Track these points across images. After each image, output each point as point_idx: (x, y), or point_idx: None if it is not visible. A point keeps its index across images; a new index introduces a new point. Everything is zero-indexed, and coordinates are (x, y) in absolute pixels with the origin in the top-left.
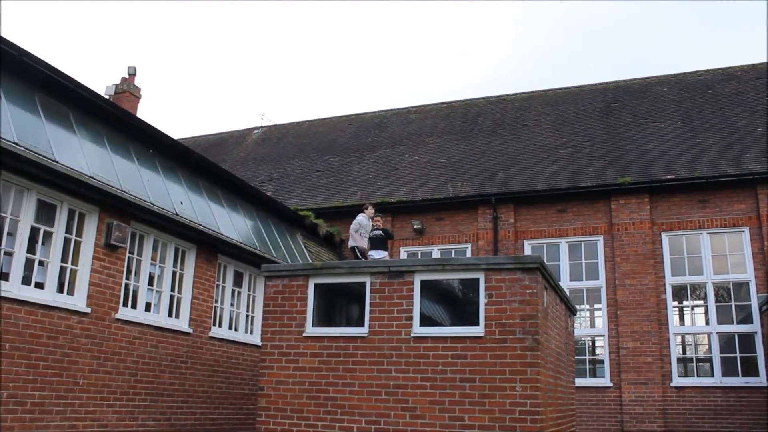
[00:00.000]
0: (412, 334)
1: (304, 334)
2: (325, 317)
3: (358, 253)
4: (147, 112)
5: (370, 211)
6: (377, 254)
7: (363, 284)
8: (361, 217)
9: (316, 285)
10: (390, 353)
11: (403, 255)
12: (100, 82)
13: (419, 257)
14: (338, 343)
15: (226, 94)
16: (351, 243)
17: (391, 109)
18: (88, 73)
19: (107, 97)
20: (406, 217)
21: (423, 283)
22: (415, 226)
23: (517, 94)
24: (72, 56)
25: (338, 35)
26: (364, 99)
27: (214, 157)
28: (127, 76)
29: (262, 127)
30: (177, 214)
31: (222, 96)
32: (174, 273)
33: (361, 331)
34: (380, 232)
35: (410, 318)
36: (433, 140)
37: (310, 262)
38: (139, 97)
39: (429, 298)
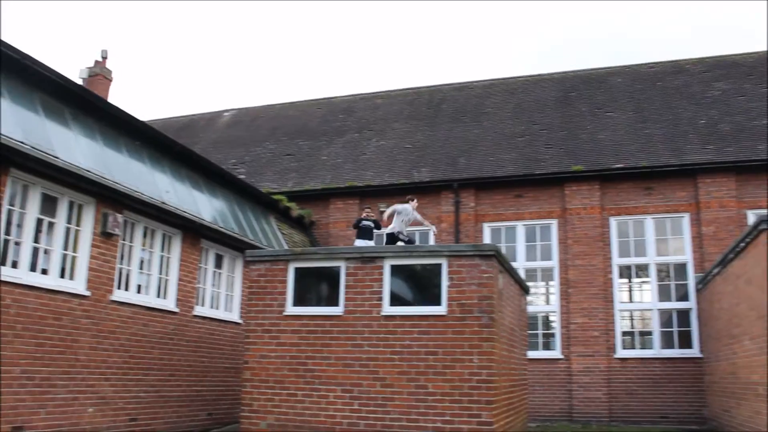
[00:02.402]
0: (383, 313)
1: (285, 313)
2: (304, 298)
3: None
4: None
5: (415, 203)
6: (364, 243)
7: (338, 268)
8: (406, 206)
9: (295, 269)
10: (363, 330)
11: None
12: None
13: (383, 239)
14: (316, 321)
15: (195, 76)
16: (395, 229)
17: (359, 94)
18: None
19: (81, 80)
20: (373, 200)
21: (392, 267)
22: (381, 209)
23: (479, 81)
24: (41, 39)
25: (307, 19)
26: (333, 83)
27: (186, 140)
28: (100, 60)
29: (232, 109)
30: (164, 203)
31: (190, 78)
32: (162, 257)
33: (337, 311)
34: (371, 222)
35: (380, 299)
36: (400, 125)
37: (284, 243)
38: (110, 80)
39: (397, 281)
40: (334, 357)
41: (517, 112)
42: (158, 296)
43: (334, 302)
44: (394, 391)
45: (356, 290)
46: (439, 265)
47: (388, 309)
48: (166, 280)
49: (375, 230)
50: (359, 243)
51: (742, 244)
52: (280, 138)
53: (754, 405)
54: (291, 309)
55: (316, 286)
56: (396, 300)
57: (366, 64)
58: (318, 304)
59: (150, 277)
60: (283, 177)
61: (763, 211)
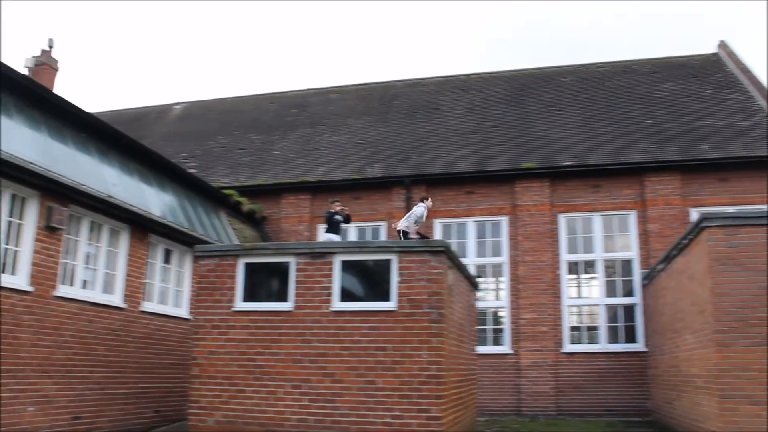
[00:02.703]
0: (332, 309)
1: (234, 309)
2: (253, 293)
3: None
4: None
5: (429, 203)
6: (335, 237)
7: (288, 264)
8: (423, 209)
9: (245, 264)
10: (312, 326)
11: (322, 232)
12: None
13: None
14: (266, 317)
15: (147, 69)
16: (403, 227)
17: (313, 89)
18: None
19: (26, 69)
20: (325, 195)
21: (342, 263)
22: (331, 201)
23: (432, 78)
24: None
25: (262, 13)
26: (287, 77)
27: (136, 133)
28: (47, 49)
29: (184, 102)
30: (111, 197)
31: (142, 71)
32: (108, 252)
33: (287, 306)
34: (342, 217)
35: (330, 294)
36: (352, 121)
37: (234, 239)
38: (56, 70)
39: (348, 277)
40: (283, 353)
41: (470, 109)
42: (104, 292)
43: (284, 298)
44: (343, 387)
45: (306, 286)
46: (389, 261)
47: (337, 305)
48: (113, 276)
49: (343, 224)
50: (328, 237)
51: (685, 242)
52: (233, 132)
53: (693, 397)
54: (240, 305)
55: (265, 281)
56: (346, 296)
57: (320, 59)
58: (268, 299)
59: (96, 272)
60: (234, 171)
61: (706, 209)
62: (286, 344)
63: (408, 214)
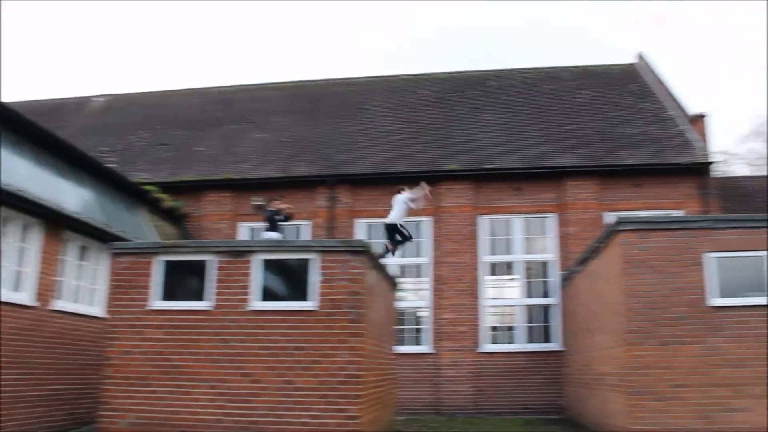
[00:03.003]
0: (251, 308)
1: (150, 308)
2: (171, 292)
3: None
4: None
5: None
6: (273, 235)
7: (208, 262)
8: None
9: (163, 262)
10: (231, 325)
11: (245, 231)
12: None
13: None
14: (183, 315)
15: (67, 60)
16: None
17: (239, 86)
18: None
19: None
20: (248, 193)
21: (262, 262)
22: (256, 203)
23: (361, 78)
24: None
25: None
26: (212, 73)
27: (53, 124)
28: None
29: (106, 95)
30: (20, 190)
31: (62, 62)
32: (19, 248)
33: (205, 305)
34: (283, 216)
35: (250, 293)
36: (279, 119)
37: (154, 236)
38: None
39: (268, 276)
40: (200, 353)
41: (397, 111)
42: (14, 290)
43: (203, 297)
44: (261, 387)
45: (225, 284)
46: (309, 261)
47: (257, 304)
48: (24, 273)
49: (284, 223)
50: (270, 235)
51: (600, 245)
52: (155, 127)
53: (604, 394)
54: (157, 303)
55: (184, 280)
56: (266, 295)
57: (246, 56)
58: (186, 298)
59: (5, 269)
60: (156, 167)
61: (621, 214)
62: (204, 344)
63: (395, 207)
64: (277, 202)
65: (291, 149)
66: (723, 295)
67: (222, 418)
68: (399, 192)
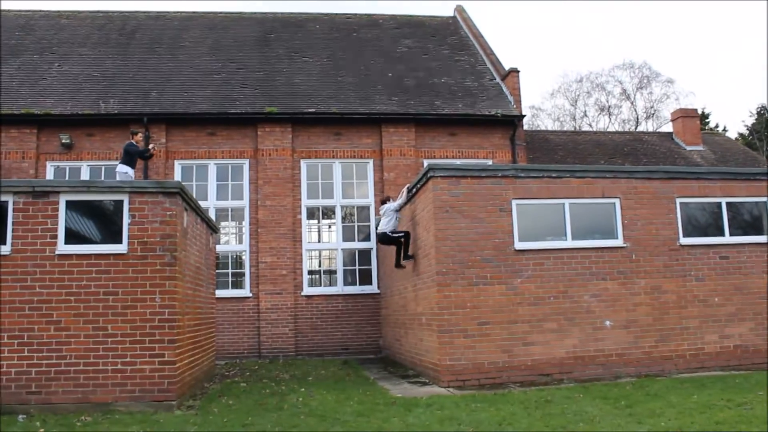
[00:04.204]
0: (57, 252)
1: None
2: None
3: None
4: None
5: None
6: (131, 172)
7: (6, 203)
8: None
9: None
10: (34, 270)
11: (50, 170)
12: None
13: (67, 172)
14: None
15: None
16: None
17: (41, 11)
18: None
19: None
20: (53, 130)
21: (68, 203)
22: (63, 141)
23: (177, 12)
24: None
25: None
26: None
27: None
28: None
29: None
30: None
31: None
32: None
33: (4, 250)
34: (147, 152)
35: (55, 237)
36: (87, 51)
37: None
38: None
39: (75, 218)
40: (0, 301)
41: (215, 49)
42: None
43: (1, 241)
44: (69, 335)
45: (27, 227)
46: (120, 202)
47: (63, 248)
48: None
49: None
50: (128, 171)
51: (414, 190)
52: None
53: (417, 333)
54: None
55: None
56: (73, 238)
57: None
58: None
59: None
60: None
61: (437, 161)
62: (3, 292)
63: (384, 216)
64: (138, 136)
65: (101, 84)
66: (523, 239)
67: (27, 369)
68: (385, 201)
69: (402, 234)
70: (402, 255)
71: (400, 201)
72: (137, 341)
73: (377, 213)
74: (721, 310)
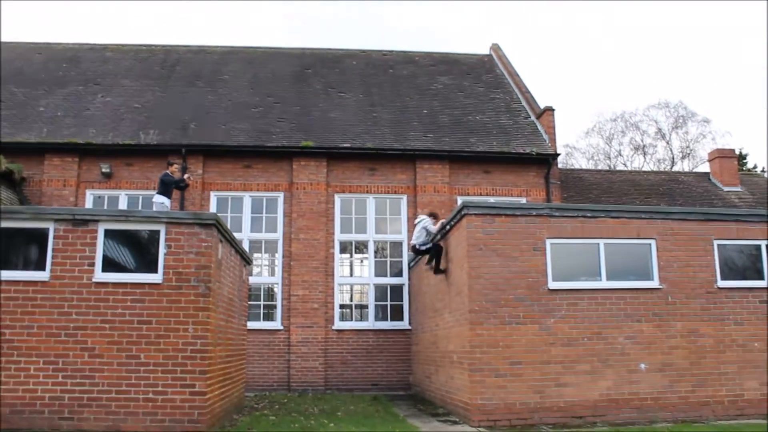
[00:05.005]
0: (94, 279)
1: None
2: (5, 261)
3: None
4: None
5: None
6: (165, 200)
7: (47, 230)
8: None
9: None
10: (71, 297)
11: (90, 198)
12: None
13: (106, 201)
14: (17, 286)
15: None
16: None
17: (87, 44)
18: None
19: None
20: (94, 159)
21: (107, 232)
22: (104, 170)
23: (217, 47)
24: None
25: None
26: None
27: None
28: None
29: None
30: None
31: None
32: None
33: (43, 276)
34: (183, 182)
35: (93, 264)
36: (129, 83)
37: None
38: None
39: (113, 246)
40: (37, 326)
41: (254, 83)
42: None
43: (41, 267)
44: (103, 362)
45: (66, 254)
46: (157, 232)
47: (100, 275)
48: None
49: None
50: (165, 201)
51: (448, 227)
52: None
53: (449, 371)
54: None
55: (19, 248)
56: (110, 266)
57: (95, 13)
58: (22, 268)
59: None
60: None
61: (471, 198)
62: (40, 317)
63: (418, 230)
64: (174, 167)
65: (142, 116)
66: (557, 279)
67: (61, 395)
68: (432, 216)
69: (430, 246)
70: (435, 267)
71: (432, 229)
72: (169, 371)
73: (409, 249)
74: (762, 356)
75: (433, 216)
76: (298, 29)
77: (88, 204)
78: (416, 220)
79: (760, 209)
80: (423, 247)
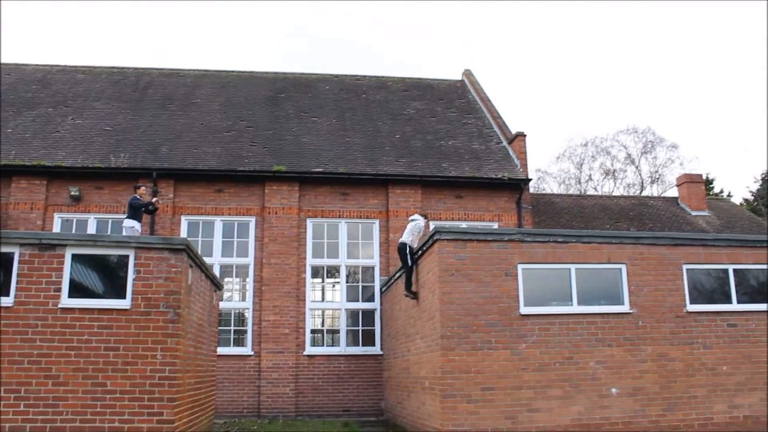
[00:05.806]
0: (60, 305)
1: None
2: None
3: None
4: None
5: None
6: (135, 224)
7: (12, 254)
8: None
9: None
10: (36, 323)
11: (57, 222)
12: None
13: (74, 225)
14: None
15: None
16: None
17: (58, 65)
18: None
19: None
20: (63, 182)
21: (74, 256)
22: (72, 193)
23: (190, 70)
24: None
25: None
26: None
27: None
28: None
29: None
30: None
31: None
32: None
33: (7, 301)
34: (153, 208)
35: (59, 289)
36: (100, 105)
37: None
38: None
39: (80, 271)
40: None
41: (226, 107)
42: None
43: (5, 292)
44: (68, 390)
45: (32, 279)
46: (126, 257)
47: (66, 301)
48: None
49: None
50: (135, 224)
51: (419, 253)
52: None
53: (420, 397)
54: None
55: None
56: (77, 291)
57: (65, 35)
58: None
59: None
60: None
61: (443, 223)
62: (3, 344)
63: (410, 228)
64: (141, 190)
65: (113, 138)
66: (529, 304)
67: (22, 425)
68: (422, 216)
69: (415, 257)
70: (408, 284)
71: (416, 243)
72: (136, 398)
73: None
74: (730, 379)
75: (425, 217)
76: (270, 54)
77: (56, 228)
78: (410, 218)
79: (727, 234)
80: (408, 255)
